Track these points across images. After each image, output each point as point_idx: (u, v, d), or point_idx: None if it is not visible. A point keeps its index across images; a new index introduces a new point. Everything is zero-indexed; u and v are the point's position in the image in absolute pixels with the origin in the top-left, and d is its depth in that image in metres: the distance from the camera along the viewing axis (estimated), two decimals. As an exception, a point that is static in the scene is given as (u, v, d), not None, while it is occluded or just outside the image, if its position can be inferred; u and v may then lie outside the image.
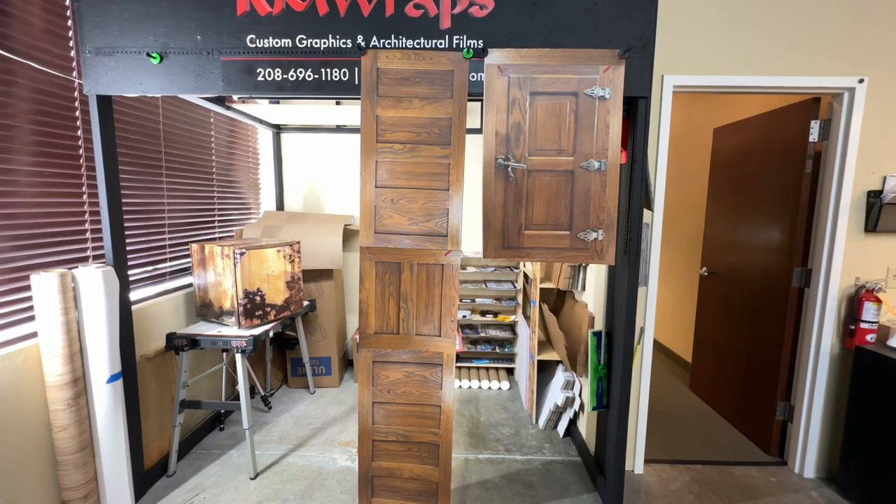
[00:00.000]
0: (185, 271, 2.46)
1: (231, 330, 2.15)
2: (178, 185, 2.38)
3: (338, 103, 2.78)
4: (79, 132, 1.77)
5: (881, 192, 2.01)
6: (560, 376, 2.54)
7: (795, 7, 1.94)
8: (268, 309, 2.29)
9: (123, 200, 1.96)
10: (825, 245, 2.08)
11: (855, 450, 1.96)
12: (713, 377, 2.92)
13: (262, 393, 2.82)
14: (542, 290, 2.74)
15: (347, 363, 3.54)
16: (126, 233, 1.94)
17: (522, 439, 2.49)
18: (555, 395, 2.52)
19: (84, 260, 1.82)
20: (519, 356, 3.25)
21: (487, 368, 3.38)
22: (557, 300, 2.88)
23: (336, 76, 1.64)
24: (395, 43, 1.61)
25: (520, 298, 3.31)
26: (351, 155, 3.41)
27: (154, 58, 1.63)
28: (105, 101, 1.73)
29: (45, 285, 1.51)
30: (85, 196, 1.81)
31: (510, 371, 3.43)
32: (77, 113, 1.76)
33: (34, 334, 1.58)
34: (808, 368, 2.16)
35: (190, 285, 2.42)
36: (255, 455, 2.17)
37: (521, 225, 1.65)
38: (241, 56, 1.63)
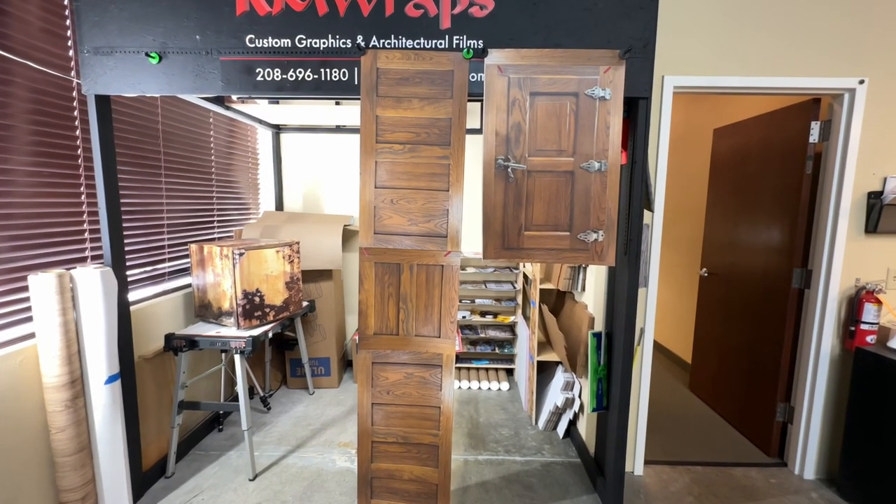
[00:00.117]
0: (184, 272, 2.45)
1: (230, 330, 2.14)
2: (177, 185, 2.37)
3: (337, 103, 2.77)
4: (77, 132, 1.76)
5: (881, 193, 2.01)
6: (560, 377, 2.54)
7: (795, 7, 1.93)
8: (267, 309, 2.28)
9: (122, 200, 1.95)
10: (825, 246, 2.08)
11: (855, 451, 1.96)
12: (713, 378, 2.92)
13: (261, 394, 2.81)
14: (541, 290, 2.73)
15: (347, 364, 3.53)
16: (125, 233, 1.94)
17: (522, 440, 2.49)
18: (554, 396, 2.52)
19: (82, 260, 1.81)
20: (518, 357, 3.25)
21: (487, 369, 3.37)
22: (557, 301, 2.87)
23: (336, 76, 1.63)
24: (394, 43, 1.60)
25: (519, 299, 3.30)
26: (350, 155, 3.41)
27: (153, 57, 1.62)
28: (103, 101, 1.73)
29: (43, 286, 1.50)
30: (83, 196, 1.80)
31: (510, 372, 3.42)
32: (75, 113, 1.76)
33: (32, 335, 1.57)
34: (808, 369, 2.15)
35: (189, 286, 2.41)
36: (253, 456, 2.17)
37: (521, 226, 1.64)
38: (240, 56, 1.63)
